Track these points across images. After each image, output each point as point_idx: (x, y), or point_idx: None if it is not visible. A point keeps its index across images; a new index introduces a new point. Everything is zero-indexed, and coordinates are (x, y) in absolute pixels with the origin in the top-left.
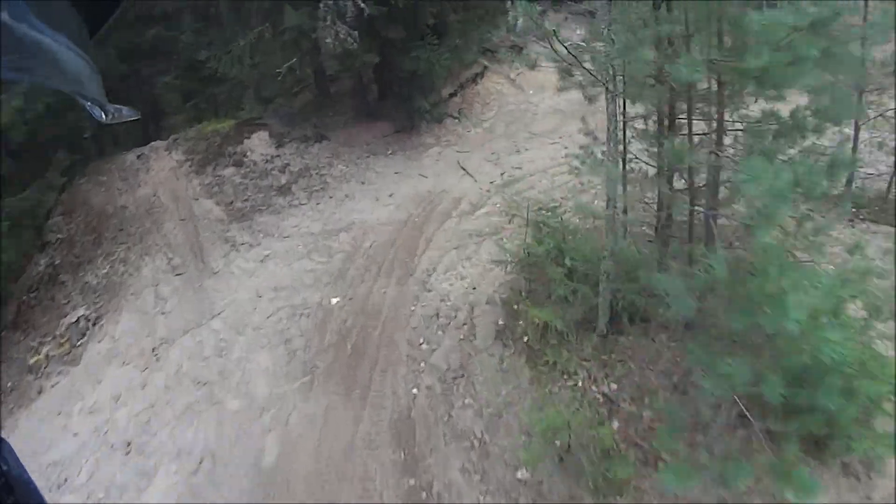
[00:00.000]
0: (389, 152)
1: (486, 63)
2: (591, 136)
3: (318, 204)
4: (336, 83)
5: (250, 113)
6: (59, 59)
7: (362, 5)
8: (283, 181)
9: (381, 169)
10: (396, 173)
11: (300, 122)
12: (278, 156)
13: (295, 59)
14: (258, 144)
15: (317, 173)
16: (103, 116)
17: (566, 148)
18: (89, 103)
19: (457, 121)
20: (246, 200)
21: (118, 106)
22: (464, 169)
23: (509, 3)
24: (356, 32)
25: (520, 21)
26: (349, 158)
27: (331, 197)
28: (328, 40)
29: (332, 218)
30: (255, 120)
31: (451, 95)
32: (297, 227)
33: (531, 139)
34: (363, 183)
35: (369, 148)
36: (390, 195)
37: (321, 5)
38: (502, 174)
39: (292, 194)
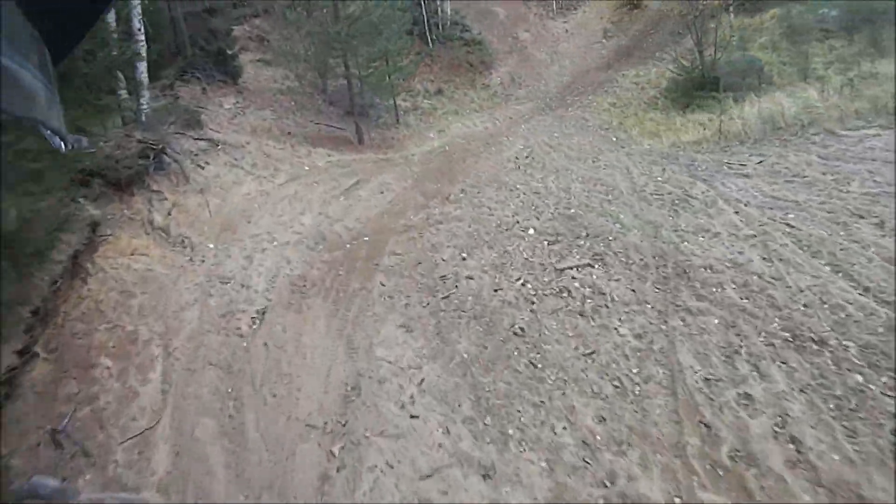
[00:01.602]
0: None
1: (92, 212)
2: None
3: None
4: None
5: None
6: (24, 87)
7: None
8: None
9: None
10: None
11: None
12: None
13: None
14: None
15: None
16: (63, 146)
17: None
18: (49, 132)
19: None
20: None
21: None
22: None
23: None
24: None
25: (145, 100)
26: None
27: None
28: None
29: None
30: None
31: (27, 352)
32: None
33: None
34: None
35: None
36: None
37: None
38: None
39: None
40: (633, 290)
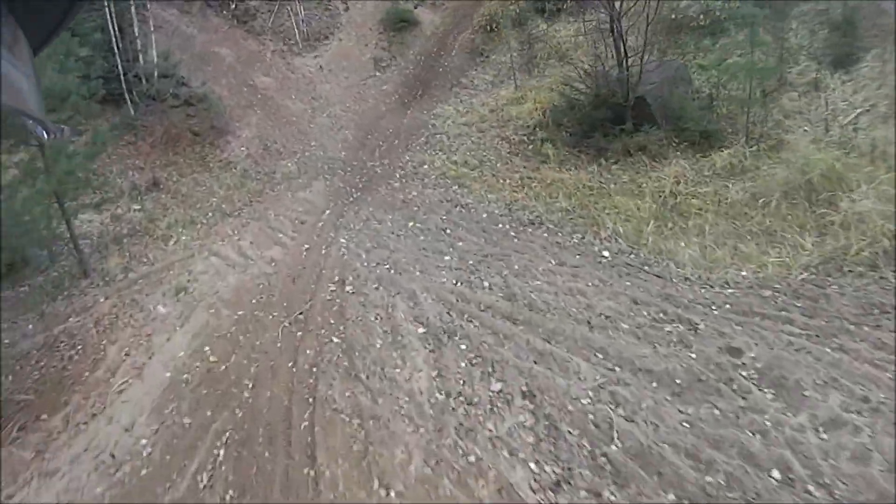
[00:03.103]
0: None
1: None
2: None
3: None
4: None
5: None
6: (3, 76)
7: None
8: None
9: None
10: None
11: None
12: None
13: None
14: None
15: None
16: (45, 135)
17: None
18: (31, 122)
19: None
20: None
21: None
22: None
23: None
24: None
25: None
26: None
27: None
28: None
29: None
30: None
31: None
32: None
33: None
34: None
35: None
36: None
37: None
38: None
39: None
40: None
